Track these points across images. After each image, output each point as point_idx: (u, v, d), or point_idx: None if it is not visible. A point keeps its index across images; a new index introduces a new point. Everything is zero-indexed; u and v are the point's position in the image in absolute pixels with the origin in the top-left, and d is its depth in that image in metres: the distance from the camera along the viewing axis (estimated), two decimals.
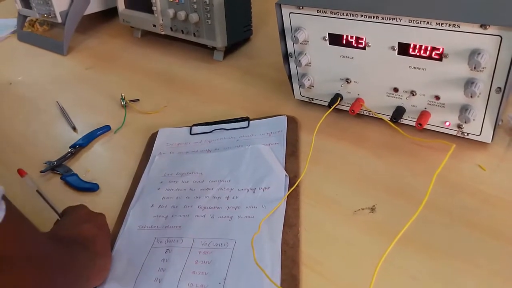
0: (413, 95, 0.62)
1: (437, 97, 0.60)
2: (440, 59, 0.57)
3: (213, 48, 0.98)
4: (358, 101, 0.68)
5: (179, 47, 1.08)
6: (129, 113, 0.86)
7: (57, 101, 0.95)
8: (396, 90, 0.64)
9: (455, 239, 0.53)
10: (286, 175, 0.62)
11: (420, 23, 0.55)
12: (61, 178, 0.74)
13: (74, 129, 0.86)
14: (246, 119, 0.74)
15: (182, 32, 0.98)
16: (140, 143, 0.78)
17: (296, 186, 0.61)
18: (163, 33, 1.04)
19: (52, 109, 0.94)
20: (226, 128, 0.74)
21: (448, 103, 0.60)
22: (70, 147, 0.80)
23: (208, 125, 0.76)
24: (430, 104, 0.62)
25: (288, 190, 0.60)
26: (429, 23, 0.54)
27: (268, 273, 0.50)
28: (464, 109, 0.59)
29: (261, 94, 0.84)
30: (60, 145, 0.82)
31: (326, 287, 0.51)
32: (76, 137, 0.83)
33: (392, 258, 0.50)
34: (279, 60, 0.75)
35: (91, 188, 0.71)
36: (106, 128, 0.83)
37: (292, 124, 0.71)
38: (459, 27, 0.52)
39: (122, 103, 0.88)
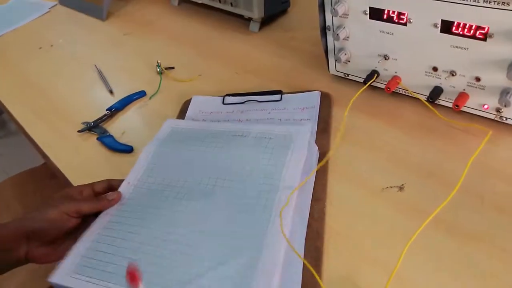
0: (453, 75, 0.61)
1: (478, 79, 0.59)
2: (484, 39, 0.55)
3: (249, 19, 0.98)
4: (394, 79, 0.67)
5: (215, 17, 1.08)
6: (164, 80, 0.88)
7: (95, 65, 0.97)
8: (435, 69, 0.62)
9: (484, 223, 0.52)
10: (317, 150, 0.63)
11: (467, 0, 0.53)
12: (97, 138, 0.77)
13: (111, 92, 0.88)
14: (279, 92, 0.75)
15: (220, 1, 0.98)
16: (174, 110, 0.80)
17: (326, 161, 0.61)
18: (200, 1, 1.04)
19: (90, 72, 0.97)
20: (258, 100, 0.75)
21: (488, 85, 0.58)
22: (106, 110, 0.82)
23: (241, 96, 0.76)
24: (470, 86, 0.60)
25: (318, 165, 0.61)
26: (476, 0, 0.52)
27: (294, 244, 0.51)
28: (505, 92, 0.57)
29: (295, 68, 0.84)
30: (97, 107, 0.84)
31: (348, 260, 0.51)
32: (112, 100, 0.86)
33: (419, 237, 0.50)
34: (315, 34, 0.74)
35: (126, 149, 0.74)
36: (141, 94, 0.85)
37: (326, 100, 0.71)
38: (509, 5, 0.50)
39: (158, 70, 0.90)
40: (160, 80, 0.87)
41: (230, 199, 0.58)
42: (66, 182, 0.74)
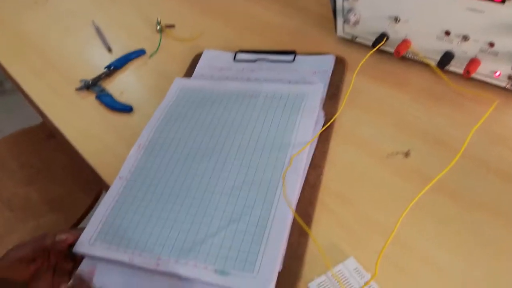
0: (466, 40, 0.58)
1: (491, 44, 0.57)
2: (502, 2, 0.52)
3: None
4: (404, 42, 0.65)
5: None
6: (164, 39, 0.85)
7: (92, 21, 0.94)
8: (447, 33, 0.60)
9: (488, 190, 0.52)
10: (324, 116, 0.61)
11: None
12: (96, 97, 0.75)
13: (109, 50, 0.85)
14: (293, 53, 0.72)
15: None
16: (174, 69, 0.78)
17: (330, 127, 0.60)
18: None
19: (87, 28, 0.93)
20: (270, 59, 0.72)
21: (502, 51, 0.57)
22: (105, 68, 0.80)
23: (253, 53, 0.74)
24: (482, 51, 0.58)
25: (322, 128, 0.60)
26: None
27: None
28: None
29: (300, 29, 0.81)
30: (94, 65, 0.82)
31: (345, 223, 0.51)
32: (110, 58, 0.83)
33: (421, 203, 0.50)
34: None
35: (125, 109, 0.72)
36: (141, 52, 0.83)
37: (339, 65, 0.69)
38: None
39: (158, 27, 0.86)
40: (160, 39, 0.85)
41: (242, 159, 0.58)
42: (64, 141, 0.72)
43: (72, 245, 0.53)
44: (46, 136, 1.09)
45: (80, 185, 0.96)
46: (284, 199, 0.53)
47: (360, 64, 0.63)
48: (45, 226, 0.90)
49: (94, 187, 0.95)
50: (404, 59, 0.68)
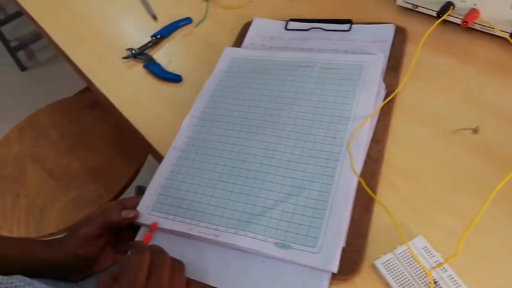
0: None
1: None
2: None
3: None
4: (472, 12, 0.61)
5: None
6: (211, 7, 0.82)
7: None
8: None
9: None
10: (384, 88, 0.58)
11: None
12: (143, 66, 0.73)
13: (154, 18, 0.83)
14: (349, 21, 0.69)
15: None
16: (222, 39, 0.75)
17: (392, 100, 0.57)
18: None
19: None
20: (324, 28, 0.69)
21: None
22: (151, 36, 0.78)
23: (306, 22, 0.71)
24: None
25: (383, 101, 0.57)
26: None
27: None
28: None
29: None
30: (140, 34, 0.80)
31: (413, 202, 0.49)
32: (155, 26, 0.81)
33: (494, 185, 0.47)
34: None
35: (174, 78, 0.70)
36: (187, 20, 0.80)
37: (399, 36, 0.65)
38: None
39: None
40: (207, 7, 0.82)
41: (299, 131, 0.56)
42: (109, 110, 0.71)
43: None
44: (86, 106, 1.09)
45: (121, 156, 0.96)
46: (345, 173, 0.50)
47: (426, 34, 0.59)
48: (87, 196, 0.91)
49: (136, 159, 0.95)
50: (470, 30, 0.63)
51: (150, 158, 0.96)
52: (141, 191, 1.51)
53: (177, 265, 0.46)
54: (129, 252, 0.46)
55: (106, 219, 0.50)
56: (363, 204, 0.49)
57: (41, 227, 0.88)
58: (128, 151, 0.96)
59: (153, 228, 0.51)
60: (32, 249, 0.51)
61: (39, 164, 0.99)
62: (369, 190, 0.49)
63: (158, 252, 0.45)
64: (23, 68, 2.18)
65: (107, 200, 0.90)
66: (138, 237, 0.52)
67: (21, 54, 2.18)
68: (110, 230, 0.51)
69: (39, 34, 2.12)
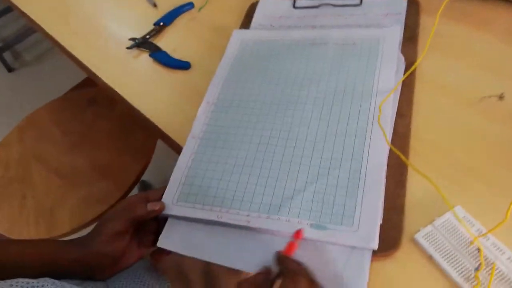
0: None
1: None
2: None
3: None
4: None
5: None
6: None
7: None
8: None
9: None
10: (404, 61, 0.57)
11: None
12: (150, 55, 0.71)
13: (154, 5, 0.81)
14: None
15: None
16: (228, 22, 0.73)
17: (412, 73, 0.56)
18: None
19: None
20: (334, 4, 0.67)
21: None
22: (153, 24, 0.76)
23: None
24: None
25: (404, 74, 0.55)
26: None
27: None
28: None
29: None
30: (141, 22, 0.78)
31: (446, 174, 0.48)
32: (156, 14, 0.79)
33: None
34: None
35: (183, 66, 0.68)
36: (189, 6, 0.78)
37: (413, 7, 0.63)
38: None
39: None
40: None
41: (321, 110, 0.54)
42: (121, 101, 0.69)
43: None
44: (86, 103, 1.06)
45: (128, 152, 0.94)
46: (375, 149, 0.49)
47: (444, 4, 0.58)
48: (97, 194, 0.89)
49: (144, 153, 0.93)
50: None
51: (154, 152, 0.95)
52: (145, 186, 1.49)
53: None
54: (273, 265, 0.42)
55: (132, 214, 0.49)
56: (396, 179, 0.48)
57: (52, 228, 0.86)
58: (135, 145, 0.94)
59: (298, 236, 0.45)
60: (56, 250, 0.49)
61: (43, 164, 0.97)
62: (403, 157, 0.47)
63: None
64: (10, 69, 2.13)
65: (118, 197, 0.88)
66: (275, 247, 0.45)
67: (7, 55, 2.12)
68: (135, 224, 0.50)
69: (24, 34, 2.08)
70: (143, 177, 1.00)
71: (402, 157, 0.45)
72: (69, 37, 0.79)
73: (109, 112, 1.02)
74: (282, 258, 0.43)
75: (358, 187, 0.47)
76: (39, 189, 0.92)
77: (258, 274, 0.42)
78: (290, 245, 0.44)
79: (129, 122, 0.97)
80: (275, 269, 0.42)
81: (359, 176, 0.48)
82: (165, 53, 0.71)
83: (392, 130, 0.52)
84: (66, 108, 1.07)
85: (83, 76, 1.13)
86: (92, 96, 1.06)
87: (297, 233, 0.45)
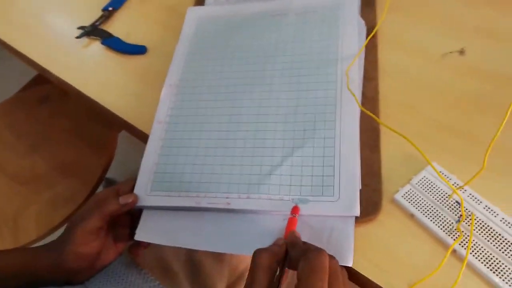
0: None
1: None
2: None
3: None
4: None
5: None
6: None
7: None
8: None
9: None
10: (364, 24, 0.56)
11: None
12: (102, 43, 0.67)
13: None
14: None
15: None
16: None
17: (374, 35, 0.56)
18: None
19: None
20: None
21: None
22: (102, 9, 0.71)
23: None
24: None
25: (366, 40, 0.55)
26: None
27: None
28: None
29: None
30: (89, 9, 0.73)
31: (419, 133, 0.48)
32: None
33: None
34: None
35: (138, 50, 0.65)
36: None
37: None
38: None
39: None
40: None
41: (288, 82, 0.53)
42: (78, 95, 0.65)
43: None
44: (39, 101, 1.00)
45: (89, 147, 0.90)
46: (346, 116, 0.49)
47: None
48: (62, 194, 0.85)
49: (106, 146, 0.89)
50: None
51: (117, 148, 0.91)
52: (110, 183, 1.44)
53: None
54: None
55: (103, 211, 0.46)
56: (370, 144, 0.48)
57: (18, 237, 0.81)
58: (95, 140, 0.90)
59: (296, 211, 0.44)
60: (29, 258, 0.46)
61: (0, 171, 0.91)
62: (376, 118, 0.47)
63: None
64: None
65: (86, 195, 0.84)
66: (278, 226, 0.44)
67: None
68: (109, 220, 0.47)
69: None
70: (108, 175, 0.96)
71: (375, 118, 0.45)
72: (13, 33, 0.74)
73: (64, 108, 0.96)
74: (294, 238, 0.41)
75: (334, 155, 0.47)
76: None
77: (275, 245, 0.40)
78: (291, 222, 0.43)
79: (87, 117, 0.93)
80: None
81: (333, 144, 0.47)
82: (117, 38, 0.67)
83: (361, 94, 0.51)
84: (18, 109, 1.00)
85: (32, 74, 1.06)
86: (44, 94, 1.00)
87: (294, 209, 0.44)
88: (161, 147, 0.52)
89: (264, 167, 0.48)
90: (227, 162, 0.49)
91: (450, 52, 0.54)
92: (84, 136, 0.91)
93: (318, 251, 0.36)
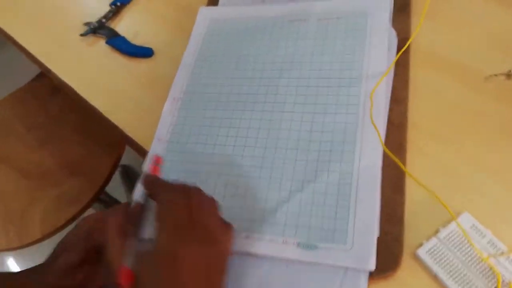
0: None
1: None
2: None
3: None
4: None
5: None
6: None
7: None
8: None
9: None
10: (395, 35, 0.49)
11: None
12: (106, 42, 0.62)
13: None
14: None
15: None
16: None
17: (407, 49, 0.48)
18: None
19: None
20: None
21: None
22: (110, 4, 0.66)
23: None
24: None
25: (397, 55, 0.48)
26: None
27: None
28: None
29: None
30: (98, 2, 0.68)
31: (451, 170, 0.42)
32: None
33: None
34: None
35: (145, 52, 0.60)
36: None
37: None
38: None
39: None
40: None
41: (303, 102, 0.47)
42: (76, 98, 0.60)
43: None
44: (50, 92, 0.97)
45: (98, 145, 0.86)
46: (368, 147, 0.42)
47: None
48: (69, 193, 0.82)
49: (115, 145, 0.85)
50: None
51: None
52: (125, 171, 1.42)
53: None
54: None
55: (89, 243, 0.41)
56: (393, 183, 0.42)
57: (23, 235, 0.79)
58: (105, 137, 0.86)
59: (158, 161, 0.42)
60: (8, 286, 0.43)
61: (7, 164, 0.89)
62: (401, 164, 0.41)
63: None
64: None
65: (91, 195, 0.81)
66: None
67: None
68: (95, 251, 0.43)
69: None
70: (123, 161, 0.92)
71: (400, 164, 0.38)
72: (18, 25, 0.69)
73: (75, 102, 0.93)
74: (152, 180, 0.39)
75: (350, 194, 0.41)
76: (6, 193, 0.85)
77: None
78: (153, 171, 0.41)
79: (96, 113, 0.89)
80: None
81: (351, 181, 0.41)
82: (123, 38, 0.62)
83: (386, 122, 0.44)
84: (29, 100, 0.98)
85: None
86: (54, 86, 0.96)
87: (158, 158, 0.42)
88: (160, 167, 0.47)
89: (269, 201, 0.42)
90: (229, 193, 0.44)
91: (495, 75, 0.46)
92: (94, 133, 0.88)
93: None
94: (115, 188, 1.07)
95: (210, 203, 0.38)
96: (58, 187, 0.83)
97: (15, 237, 0.80)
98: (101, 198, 0.92)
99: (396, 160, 0.40)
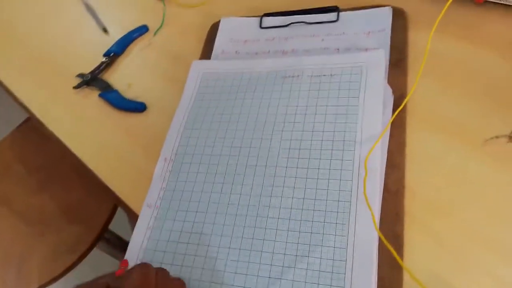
0: None
1: None
2: None
3: None
4: None
5: None
6: (169, 8, 0.69)
7: None
8: None
9: None
10: (391, 93, 0.47)
11: None
12: (99, 95, 0.61)
13: (105, 30, 0.70)
14: (335, 9, 0.56)
15: None
16: (188, 48, 0.63)
17: (403, 108, 0.46)
18: None
19: (76, 7, 0.77)
20: (307, 21, 0.57)
21: None
22: (104, 55, 0.66)
23: (284, 15, 0.59)
24: None
25: (393, 115, 0.46)
26: None
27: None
28: None
29: None
30: (91, 53, 0.68)
31: (451, 244, 0.39)
32: (108, 41, 0.68)
33: None
34: None
35: (137, 108, 0.59)
36: (143, 29, 0.68)
37: (399, 21, 0.53)
38: None
39: None
40: (164, 9, 0.69)
41: (295, 165, 0.45)
42: (67, 152, 0.60)
43: None
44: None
45: (97, 187, 0.85)
46: (363, 219, 0.40)
47: (440, 16, 0.47)
48: (66, 242, 0.81)
49: (111, 193, 0.84)
50: (486, 4, 0.52)
51: None
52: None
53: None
54: None
55: None
56: (391, 258, 0.39)
57: (21, 285, 0.78)
58: (102, 184, 0.85)
59: (125, 264, 0.44)
60: None
61: (8, 207, 0.88)
62: (398, 258, 0.39)
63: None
64: None
65: (89, 243, 0.79)
66: None
67: None
68: None
69: None
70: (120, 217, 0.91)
71: (397, 257, 0.36)
72: (10, 73, 0.69)
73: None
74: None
75: (345, 271, 0.39)
76: (5, 237, 0.84)
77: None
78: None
79: None
80: None
81: (345, 258, 0.39)
82: (116, 92, 0.61)
83: (382, 191, 0.42)
84: (28, 141, 0.97)
85: None
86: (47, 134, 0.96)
87: (124, 261, 0.44)
88: (148, 239, 0.46)
89: (260, 278, 0.41)
90: (218, 267, 0.42)
91: (496, 137, 0.44)
92: (92, 177, 0.87)
93: None
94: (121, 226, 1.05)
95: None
96: (56, 235, 0.82)
97: (12, 283, 0.78)
98: (106, 236, 0.91)
99: (393, 251, 0.38)
